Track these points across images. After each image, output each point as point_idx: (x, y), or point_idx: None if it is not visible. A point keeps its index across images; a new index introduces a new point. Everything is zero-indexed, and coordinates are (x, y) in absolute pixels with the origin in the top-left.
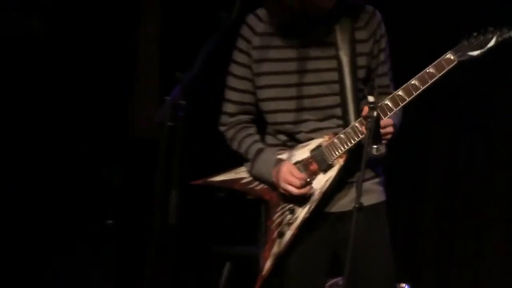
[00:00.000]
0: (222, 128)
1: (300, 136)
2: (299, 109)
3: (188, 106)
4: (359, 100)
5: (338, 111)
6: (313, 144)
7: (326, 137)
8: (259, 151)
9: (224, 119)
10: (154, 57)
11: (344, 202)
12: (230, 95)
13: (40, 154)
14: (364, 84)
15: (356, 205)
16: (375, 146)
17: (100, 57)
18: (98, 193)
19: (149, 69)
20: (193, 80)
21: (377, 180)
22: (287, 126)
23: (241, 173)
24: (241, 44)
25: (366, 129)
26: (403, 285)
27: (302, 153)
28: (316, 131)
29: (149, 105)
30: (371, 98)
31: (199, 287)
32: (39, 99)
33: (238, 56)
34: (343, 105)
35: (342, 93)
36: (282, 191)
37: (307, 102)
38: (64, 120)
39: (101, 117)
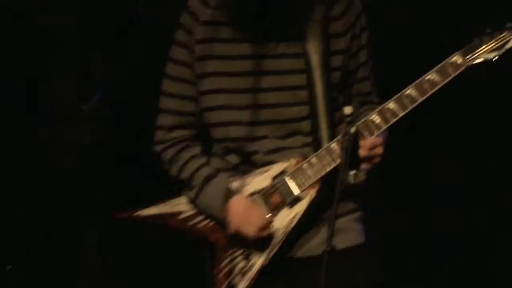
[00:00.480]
0: (157, 148)
1: (256, 157)
2: (255, 122)
3: (112, 116)
4: (334, 111)
5: (305, 126)
6: (275, 169)
7: (293, 161)
8: (208, 178)
9: (160, 135)
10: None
11: (313, 245)
12: (167, 103)
13: None
14: (340, 91)
15: (327, 248)
16: (352, 172)
17: None
18: None
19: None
20: (120, 81)
21: (355, 215)
22: (240, 144)
23: (179, 205)
24: (180, 36)
25: (341, 150)
26: None
27: (261, 180)
28: (277, 152)
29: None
30: (348, 110)
31: None
32: None
33: (176, 52)
34: (313, 118)
35: (311, 102)
36: (234, 232)
37: (265, 114)
38: None
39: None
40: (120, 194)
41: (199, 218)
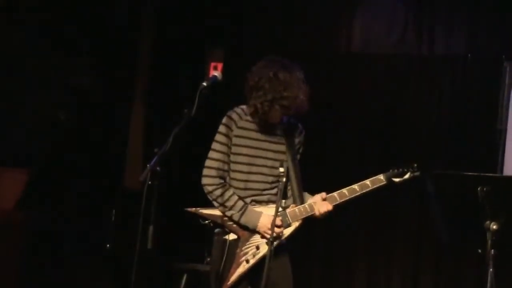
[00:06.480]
0: (209, 188)
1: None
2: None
3: (161, 171)
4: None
5: (272, 191)
6: (276, 206)
7: (292, 206)
8: (245, 207)
9: (210, 180)
10: (140, 137)
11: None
12: (212, 163)
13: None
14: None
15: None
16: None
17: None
18: None
19: (136, 146)
20: (165, 153)
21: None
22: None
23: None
24: (223, 129)
25: (278, 189)
26: None
27: (270, 210)
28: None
29: (137, 169)
30: (281, 169)
31: None
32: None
33: (220, 138)
34: (285, 183)
35: (287, 175)
36: (261, 233)
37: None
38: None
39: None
40: (170, 202)
41: (232, 221)
